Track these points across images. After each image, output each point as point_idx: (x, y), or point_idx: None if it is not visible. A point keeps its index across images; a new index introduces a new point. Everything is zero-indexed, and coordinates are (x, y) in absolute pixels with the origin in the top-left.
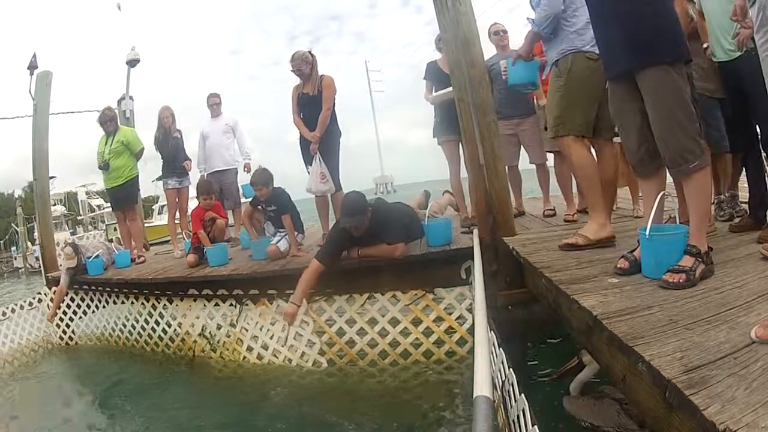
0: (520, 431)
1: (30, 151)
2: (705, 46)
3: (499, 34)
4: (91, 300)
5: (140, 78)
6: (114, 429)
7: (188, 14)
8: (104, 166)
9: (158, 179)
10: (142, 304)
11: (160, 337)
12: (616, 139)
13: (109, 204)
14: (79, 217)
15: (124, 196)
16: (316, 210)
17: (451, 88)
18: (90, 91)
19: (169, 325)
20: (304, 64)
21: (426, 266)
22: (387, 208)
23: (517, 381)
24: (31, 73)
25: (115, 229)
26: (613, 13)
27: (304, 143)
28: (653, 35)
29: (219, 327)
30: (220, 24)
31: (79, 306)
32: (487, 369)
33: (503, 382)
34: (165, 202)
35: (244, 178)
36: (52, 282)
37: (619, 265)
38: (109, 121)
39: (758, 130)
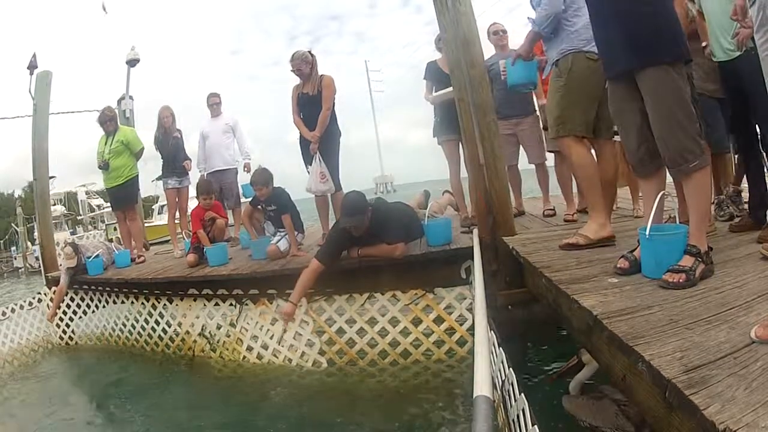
0: (520, 431)
1: (30, 151)
2: (704, 44)
3: (498, 34)
4: (91, 300)
5: (140, 78)
6: (114, 429)
7: (188, 14)
8: (104, 166)
9: (158, 179)
10: (142, 303)
11: (160, 337)
12: (616, 138)
13: (109, 204)
14: (79, 217)
15: (124, 196)
16: (316, 210)
17: (451, 89)
18: (90, 91)
19: (169, 325)
20: (303, 64)
21: (426, 266)
22: (387, 207)
23: (517, 381)
24: (31, 73)
25: (115, 229)
26: (613, 12)
27: (304, 143)
28: (653, 35)
29: (219, 327)
30: (220, 24)
31: (79, 306)
32: (487, 369)
33: (503, 381)
34: (165, 202)
35: (244, 178)
36: (52, 282)
37: (619, 265)
38: (108, 120)
39: (758, 130)
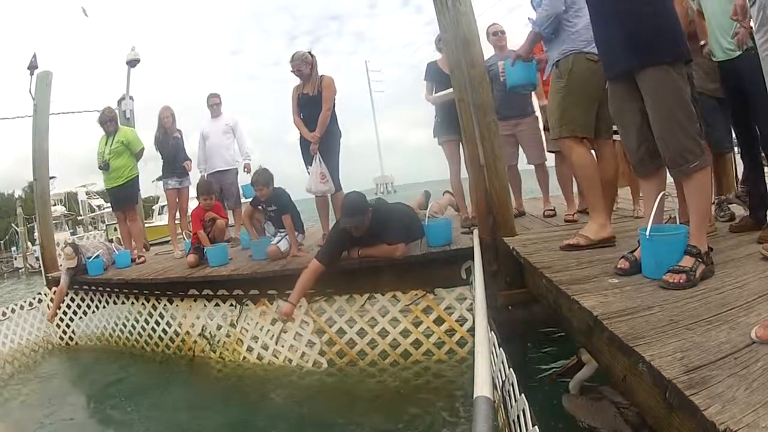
0: (520, 431)
1: (30, 151)
2: (702, 43)
3: (497, 35)
4: (91, 300)
5: (140, 78)
6: (114, 429)
7: (188, 14)
8: (104, 167)
9: (158, 179)
10: (143, 304)
11: (160, 338)
12: (616, 138)
13: (109, 204)
14: (79, 218)
15: (124, 196)
16: (316, 210)
17: (451, 90)
18: (90, 91)
19: (169, 326)
20: (303, 65)
21: (426, 266)
22: (387, 208)
23: (518, 381)
24: (32, 73)
25: (115, 230)
26: (613, 12)
27: (304, 143)
28: (653, 35)
29: (219, 327)
30: (220, 24)
31: (79, 306)
32: (488, 369)
33: (503, 382)
34: (165, 203)
35: (244, 179)
36: (52, 282)
37: (619, 266)
38: (109, 121)
39: (757, 131)
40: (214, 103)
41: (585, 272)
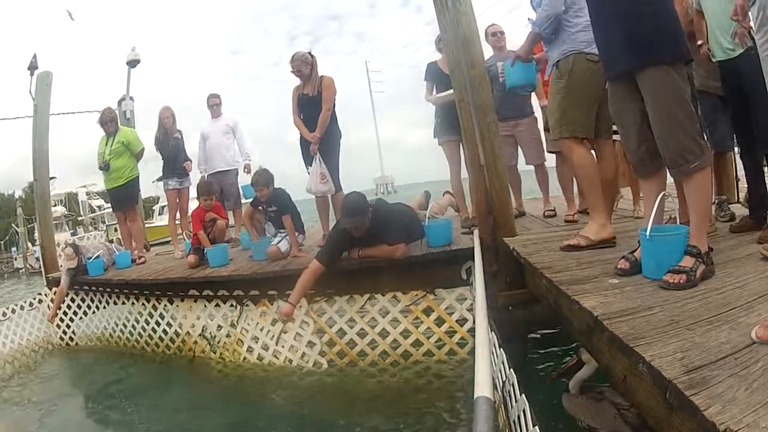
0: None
1: (30, 152)
2: (699, 43)
3: (496, 35)
4: (92, 301)
5: (140, 78)
6: (114, 429)
7: (188, 14)
8: (105, 167)
9: (159, 180)
10: (143, 304)
11: (160, 338)
12: (616, 138)
13: (109, 205)
14: (79, 218)
15: (124, 197)
16: (316, 210)
17: (451, 91)
18: (90, 91)
19: (170, 326)
20: (303, 65)
21: (426, 267)
22: (387, 208)
23: (518, 381)
24: (32, 74)
25: (115, 230)
26: (613, 12)
27: (305, 144)
28: (653, 35)
29: (219, 328)
30: (220, 24)
31: (79, 306)
32: (488, 369)
33: (504, 382)
34: (165, 203)
35: (244, 179)
36: (53, 283)
37: (619, 266)
38: (109, 121)
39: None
40: (214, 104)
41: (585, 272)
